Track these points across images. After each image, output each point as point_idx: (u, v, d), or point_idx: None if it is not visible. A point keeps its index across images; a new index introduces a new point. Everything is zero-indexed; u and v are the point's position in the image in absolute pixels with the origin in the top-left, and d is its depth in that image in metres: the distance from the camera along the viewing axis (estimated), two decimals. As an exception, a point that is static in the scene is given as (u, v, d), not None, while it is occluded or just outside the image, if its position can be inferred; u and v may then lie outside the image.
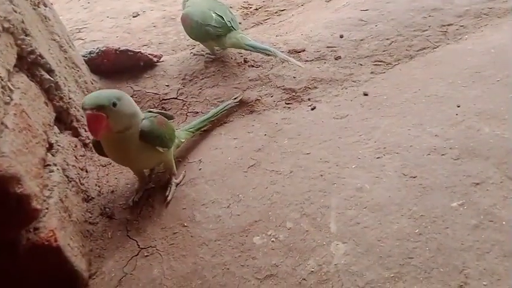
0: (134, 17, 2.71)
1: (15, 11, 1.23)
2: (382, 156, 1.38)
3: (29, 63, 1.27)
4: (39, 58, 1.31)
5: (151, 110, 1.37)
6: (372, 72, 1.75)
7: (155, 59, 1.86)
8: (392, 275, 1.06)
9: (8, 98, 1.06)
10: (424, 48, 1.80)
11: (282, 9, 2.51)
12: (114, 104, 1.12)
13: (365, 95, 1.66)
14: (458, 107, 1.49)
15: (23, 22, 1.25)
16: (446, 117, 1.46)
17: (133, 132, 1.20)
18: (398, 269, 1.07)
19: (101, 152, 1.28)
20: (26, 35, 1.26)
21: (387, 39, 1.84)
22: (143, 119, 1.24)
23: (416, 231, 1.15)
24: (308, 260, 1.13)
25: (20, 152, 1.00)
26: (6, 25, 1.15)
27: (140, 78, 1.82)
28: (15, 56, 1.18)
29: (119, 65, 1.81)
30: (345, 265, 1.10)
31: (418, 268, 1.07)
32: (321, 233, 1.19)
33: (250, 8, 2.57)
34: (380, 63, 1.78)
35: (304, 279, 1.09)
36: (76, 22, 2.72)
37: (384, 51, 1.81)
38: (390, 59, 1.78)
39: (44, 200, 1.05)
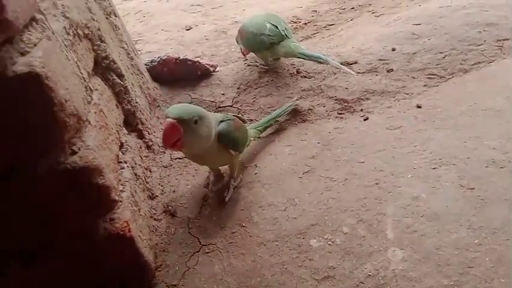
0: (187, 30, 2.84)
1: (94, 19, 1.34)
2: (438, 167, 1.38)
3: (103, 68, 1.37)
4: (112, 63, 1.41)
5: (228, 112, 1.43)
6: (425, 85, 1.76)
7: (211, 69, 1.95)
8: (451, 283, 1.06)
9: (89, 97, 1.15)
10: (479, 63, 1.79)
11: (330, 23, 2.56)
12: (195, 122, 1.17)
13: (418, 107, 1.67)
14: (516, 120, 1.48)
15: (99, 30, 1.36)
16: (504, 131, 1.45)
17: (209, 135, 1.26)
18: (458, 277, 1.07)
19: None
20: (102, 42, 1.37)
21: (441, 53, 1.85)
22: (222, 121, 1.31)
23: (476, 241, 1.15)
24: (365, 264, 1.15)
25: (101, 147, 1.09)
26: (86, 31, 1.25)
27: (198, 86, 1.91)
28: (93, 60, 1.29)
29: (178, 74, 1.91)
30: (403, 271, 1.11)
31: (478, 278, 1.06)
32: (377, 238, 1.20)
33: (300, 22, 2.63)
34: (433, 76, 1.79)
35: (361, 282, 1.11)
36: (132, 34, 2.86)
37: (437, 64, 1.82)
38: (444, 72, 1.79)
39: (119, 193, 1.12)
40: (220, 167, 1.51)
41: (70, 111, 0.94)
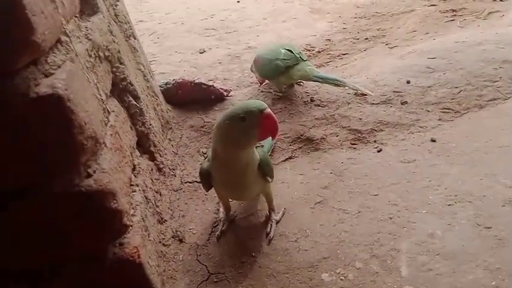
0: (201, 53, 2.87)
1: (114, 41, 1.36)
2: (454, 204, 1.36)
3: (120, 89, 1.38)
4: (129, 85, 1.42)
5: None
6: (439, 119, 1.75)
7: (225, 93, 1.96)
8: (468, 327, 1.03)
9: (106, 119, 1.15)
10: (494, 99, 1.79)
11: (344, 53, 2.58)
12: None
13: (433, 141, 1.65)
14: (533, 159, 1.46)
15: (119, 52, 1.38)
16: (521, 170, 1.43)
17: (255, 160, 1.23)
18: (475, 322, 1.04)
19: (207, 182, 1.30)
20: (121, 64, 1.38)
21: (456, 87, 1.85)
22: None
23: (493, 283, 1.11)
24: (379, 302, 1.12)
25: (116, 170, 1.08)
26: (106, 53, 1.26)
27: (211, 110, 1.91)
28: (111, 81, 1.29)
29: (192, 97, 1.92)
30: (418, 311, 1.08)
31: (496, 322, 1.03)
32: (391, 275, 1.17)
33: (313, 50, 2.66)
34: (448, 110, 1.78)
35: (375, 321, 1.07)
36: (146, 55, 2.90)
37: (452, 99, 1.81)
38: (459, 107, 1.78)
39: (130, 218, 1.11)
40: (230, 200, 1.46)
41: (88, 134, 0.93)
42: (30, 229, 0.95)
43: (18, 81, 0.78)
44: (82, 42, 1.08)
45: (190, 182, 1.59)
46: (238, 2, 3.70)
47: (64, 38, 0.95)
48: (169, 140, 1.74)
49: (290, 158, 1.70)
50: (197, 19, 3.45)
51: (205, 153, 1.74)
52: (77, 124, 0.89)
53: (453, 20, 2.61)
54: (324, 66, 2.47)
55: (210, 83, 1.94)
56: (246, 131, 1.12)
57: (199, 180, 1.48)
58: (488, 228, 1.26)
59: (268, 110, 1.12)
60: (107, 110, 1.17)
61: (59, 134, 0.87)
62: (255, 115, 1.11)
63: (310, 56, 2.59)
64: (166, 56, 2.89)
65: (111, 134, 1.14)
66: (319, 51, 2.63)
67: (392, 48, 2.45)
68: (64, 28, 0.96)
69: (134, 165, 1.32)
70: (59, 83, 0.85)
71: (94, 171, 0.97)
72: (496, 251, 1.19)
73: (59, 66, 0.88)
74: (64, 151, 0.90)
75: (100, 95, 1.12)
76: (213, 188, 1.34)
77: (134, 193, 1.23)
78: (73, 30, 1.04)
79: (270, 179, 1.32)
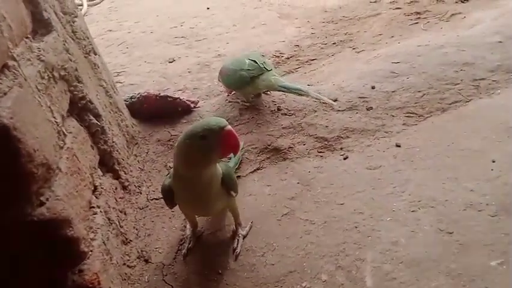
0: (170, 62, 2.84)
1: (71, 60, 1.33)
2: (417, 210, 1.38)
3: (79, 109, 1.35)
4: (88, 104, 1.39)
5: None
6: (404, 124, 1.78)
7: (192, 105, 1.94)
8: (431, 336, 1.04)
9: (62, 142, 1.12)
10: (456, 102, 1.82)
11: (312, 58, 2.60)
12: None
13: (398, 146, 1.67)
14: (494, 162, 1.49)
15: (76, 70, 1.35)
16: (482, 172, 1.46)
17: (218, 176, 1.22)
18: (437, 330, 1.05)
19: (170, 199, 1.28)
20: (79, 82, 1.35)
21: (419, 91, 1.88)
22: None
23: (455, 290, 1.13)
24: (344, 314, 1.12)
25: (71, 195, 1.05)
26: (62, 73, 1.23)
27: (178, 123, 1.89)
28: (68, 101, 1.27)
29: (158, 110, 1.90)
30: (382, 322, 1.09)
31: (458, 329, 1.04)
32: (356, 286, 1.18)
33: (282, 56, 2.66)
34: (412, 115, 1.80)
35: (340, 334, 1.08)
36: (115, 66, 2.86)
37: (416, 103, 1.84)
38: (422, 111, 1.81)
39: (89, 243, 1.08)
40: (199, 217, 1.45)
41: (38, 161, 0.91)
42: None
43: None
44: (34, 64, 1.05)
45: (156, 199, 1.57)
46: (208, 8, 3.68)
47: (11, 62, 0.92)
48: (135, 155, 1.71)
49: (258, 169, 1.70)
50: (166, 27, 3.41)
51: (171, 168, 1.72)
52: (25, 153, 0.87)
53: (417, 22, 2.66)
54: (293, 72, 2.48)
55: (176, 95, 1.92)
56: (207, 149, 1.11)
57: (165, 197, 1.47)
58: (450, 233, 1.28)
59: (229, 127, 1.11)
60: (63, 132, 1.14)
61: (6, 164, 0.85)
62: (215, 132, 1.10)
63: (279, 62, 2.59)
64: (135, 66, 2.84)
65: (67, 158, 1.11)
66: (288, 58, 2.64)
67: (358, 52, 2.47)
68: (10, 52, 0.93)
69: (96, 186, 1.29)
70: (4, 111, 0.82)
71: (47, 199, 0.95)
72: (458, 256, 1.21)
73: (5, 93, 0.86)
74: (13, 181, 0.87)
75: (54, 117, 1.09)
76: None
77: (95, 215, 1.20)
78: (23, 52, 1.01)
79: (234, 194, 1.31)
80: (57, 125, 1.11)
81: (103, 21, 3.78)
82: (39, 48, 1.11)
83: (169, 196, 1.27)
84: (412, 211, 1.38)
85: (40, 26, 1.20)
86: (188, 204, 1.30)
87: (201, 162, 1.14)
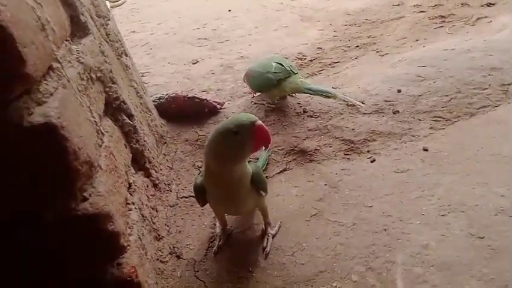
0: (193, 63, 2.88)
1: (106, 62, 1.36)
2: (447, 214, 1.37)
3: (113, 109, 1.38)
4: (122, 104, 1.42)
5: None
6: (431, 128, 1.77)
7: (218, 106, 1.97)
8: None
9: (101, 141, 1.15)
10: (485, 107, 1.81)
11: (335, 61, 2.60)
12: None
13: (425, 150, 1.67)
14: (524, 167, 1.48)
15: (111, 71, 1.38)
16: (512, 178, 1.46)
17: (248, 174, 1.24)
18: (471, 333, 1.05)
19: (202, 197, 1.31)
20: (113, 83, 1.38)
21: (446, 95, 1.87)
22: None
23: (488, 294, 1.13)
24: (375, 316, 1.13)
25: (111, 192, 1.08)
26: (99, 74, 1.27)
27: (205, 123, 1.92)
28: (104, 102, 1.30)
29: (186, 111, 1.93)
30: (414, 324, 1.09)
31: (492, 334, 1.04)
32: (387, 288, 1.18)
33: (305, 59, 2.68)
34: (439, 119, 1.80)
35: (372, 335, 1.08)
36: (139, 67, 2.90)
37: (443, 107, 1.84)
38: (450, 115, 1.80)
39: (127, 237, 1.11)
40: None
41: (83, 159, 0.94)
42: (28, 256, 0.95)
43: (11, 112, 0.79)
44: (74, 66, 1.09)
45: (186, 197, 1.59)
46: (229, 11, 3.72)
47: (55, 64, 0.95)
48: (164, 154, 1.74)
49: (285, 170, 1.71)
50: (189, 29, 3.46)
51: (200, 167, 1.75)
52: (72, 151, 0.89)
53: (442, 26, 2.65)
54: (316, 75, 2.49)
55: (203, 96, 1.95)
56: (240, 145, 1.14)
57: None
58: (481, 238, 1.28)
59: (260, 122, 1.14)
60: (101, 131, 1.17)
61: (54, 162, 0.88)
62: (247, 128, 1.13)
63: (302, 65, 2.61)
64: (159, 67, 2.89)
65: (105, 156, 1.14)
66: (311, 60, 2.65)
67: (382, 56, 2.47)
68: (55, 55, 0.96)
69: (130, 184, 1.32)
70: (52, 111, 0.85)
71: (90, 195, 0.98)
72: (490, 261, 1.21)
73: (51, 94, 0.89)
74: (60, 178, 0.90)
75: (93, 117, 1.12)
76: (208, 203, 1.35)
77: (130, 212, 1.23)
78: (64, 55, 1.05)
79: (263, 193, 1.33)
80: (96, 125, 1.14)
81: (126, 22, 3.84)
82: (78, 50, 1.14)
83: (201, 194, 1.30)
84: (442, 215, 1.37)
85: (78, 29, 1.23)
86: (219, 202, 1.32)
87: (234, 157, 1.17)
